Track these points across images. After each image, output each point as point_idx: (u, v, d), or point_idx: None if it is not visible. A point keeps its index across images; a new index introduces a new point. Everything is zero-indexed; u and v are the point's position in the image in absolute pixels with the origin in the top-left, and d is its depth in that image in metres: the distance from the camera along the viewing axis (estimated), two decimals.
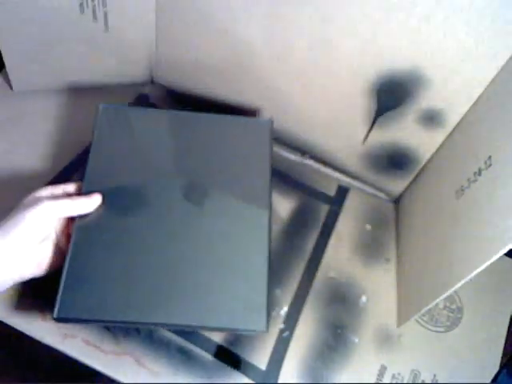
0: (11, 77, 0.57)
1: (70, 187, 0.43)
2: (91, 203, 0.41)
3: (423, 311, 0.43)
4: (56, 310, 0.38)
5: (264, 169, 0.47)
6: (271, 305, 0.48)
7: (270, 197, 0.45)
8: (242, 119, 0.51)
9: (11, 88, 0.58)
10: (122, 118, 0.48)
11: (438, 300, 0.41)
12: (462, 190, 0.43)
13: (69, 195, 0.42)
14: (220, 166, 0.47)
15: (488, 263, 0.35)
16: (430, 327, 0.49)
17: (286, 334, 0.47)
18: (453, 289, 0.39)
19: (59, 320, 0.38)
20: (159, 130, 0.48)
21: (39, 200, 0.38)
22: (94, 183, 0.43)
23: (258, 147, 0.48)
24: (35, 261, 0.39)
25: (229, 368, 0.45)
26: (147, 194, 0.44)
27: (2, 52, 0.53)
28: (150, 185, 0.44)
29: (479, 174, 0.40)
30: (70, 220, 0.42)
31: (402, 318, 0.48)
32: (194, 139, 0.48)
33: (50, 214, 0.38)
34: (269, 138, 0.49)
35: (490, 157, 0.39)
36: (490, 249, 0.35)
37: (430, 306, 0.42)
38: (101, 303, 0.39)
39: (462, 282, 0.38)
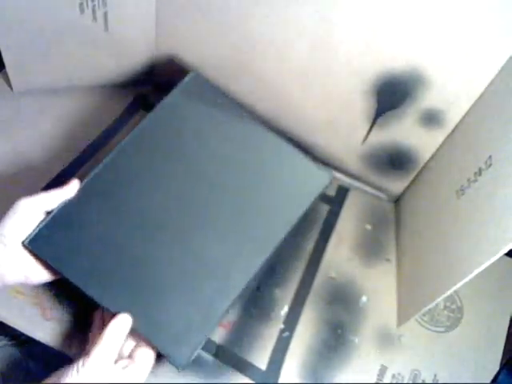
0: (11, 77, 0.57)
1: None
2: (67, 192, 0.40)
3: (423, 311, 0.43)
4: (28, 238, 0.38)
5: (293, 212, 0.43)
6: (269, 305, 0.49)
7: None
8: (304, 160, 0.46)
9: (11, 88, 0.58)
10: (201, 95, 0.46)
11: (438, 300, 0.41)
12: (463, 190, 0.43)
13: None
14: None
15: (488, 263, 0.35)
16: (430, 327, 0.49)
17: (286, 333, 0.47)
18: (453, 289, 0.39)
19: (25, 247, 0.38)
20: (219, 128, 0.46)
21: (17, 200, 0.38)
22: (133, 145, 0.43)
23: (304, 188, 0.45)
24: (19, 265, 0.38)
25: (229, 368, 0.45)
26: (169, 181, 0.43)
27: (2, 52, 0.53)
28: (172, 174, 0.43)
29: (479, 173, 0.40)
30: None
31: (402, 318, 0.48)
32: (243, 150, 0.45)
33: (27, 209, 0.38)
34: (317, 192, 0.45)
35: (490, 156, 0.39)
36: (490, 249, 0.35)
37: (430, 306, 0.42)
38: (72, 259, 0.38)
39: (462, 282, 0.38)
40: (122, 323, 0.36)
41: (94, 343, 0.35)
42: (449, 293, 0.39)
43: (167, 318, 0.38)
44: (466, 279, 0.37)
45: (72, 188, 0.41)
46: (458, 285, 0.38)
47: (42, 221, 0.39)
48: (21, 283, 0.39)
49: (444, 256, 0.43)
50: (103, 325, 0.39)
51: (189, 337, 0.38)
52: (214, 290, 0.39)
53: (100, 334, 0.36)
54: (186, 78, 0.46)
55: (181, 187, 0.42)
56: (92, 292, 0.38)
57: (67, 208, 0.40)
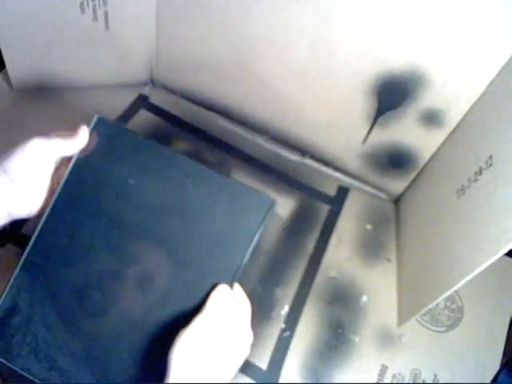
0: (11, 76, 0.57)
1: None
2: (79, 141, 0.40)
3: (424, 311, 0.43)
4: None
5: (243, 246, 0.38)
6: (271, 304, 0.49)
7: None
8: (244, 189, 0.39)
9: (11, 87, 0.58)
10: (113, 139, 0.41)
11: (439, 300, 0.41)
12: (463, 190, 0.43)
13: None
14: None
15: (489, 263, 0.35)
16: (430, 327, 0.49)
17: (286, 333, 0.47)
18: (454, 288, 0.39)
19: None
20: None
21: (30, 138, 0.38)
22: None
23: (247, 222, 0.38)
24: (26, 200, 0.39)
25: None
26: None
27: (3, 51, 0.53)
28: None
29: (480, 173, 0.40)
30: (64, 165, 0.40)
31: (403, 317, 0.48)
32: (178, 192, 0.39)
33: (37, 150, 0.38)
34: (263, 218, 0.38)
35: (490, 156, 0.39)
36: (490, 248, 0.35)
37: (431, 305, 0.42)
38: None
39: (463, 281, 0.38)
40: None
41: None
42: (449, 292, 0.39)
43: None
44: (467, 278, 0.37)
45: (83, 136, 0.40)
46: (459, 284, 0.38)
47: None
48: (26, 216, 0.40)
49: (444, 256, 0.43)
50: None
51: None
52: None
53: None
54: (91, 125, 0.41)
55: (105, 251, 0.39)
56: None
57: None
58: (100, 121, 0.41)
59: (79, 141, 0.40)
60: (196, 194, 0.39)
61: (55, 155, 0.40)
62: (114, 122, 0.42)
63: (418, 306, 0.45)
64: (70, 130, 0.40)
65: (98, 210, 0.40)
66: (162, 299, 0.37)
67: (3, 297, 0.38)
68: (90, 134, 0.41)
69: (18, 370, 0.38)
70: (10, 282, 0.38)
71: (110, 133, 0.41)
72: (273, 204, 0.38)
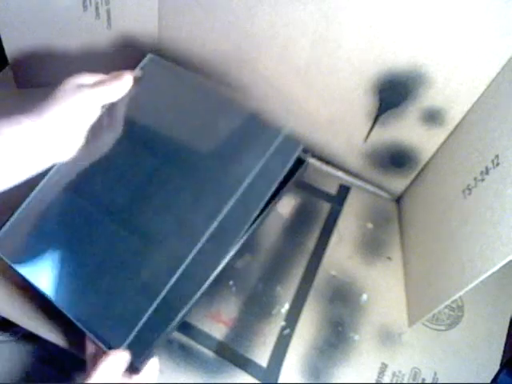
0: (15, 74, 0.57)
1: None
2: (124, 86, 0.41)
3: (437, 310, 0.43)
4: None
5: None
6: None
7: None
8: (272, 131, 0.43)
9: (14, 85, 0.58)
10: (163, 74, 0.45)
11: (453, 298, 0.40)
12: (470, 190, 0.43)
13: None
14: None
15: (503, 263, 0.35)
16: (430, 325, 0.49)
17: (287, 331, 0.47)
18: (466, 289, 0.38)
19: None
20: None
21: (79, 89, 0.39)
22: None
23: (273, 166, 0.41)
24: (65, 145, 0.40)
25: (229, 365, 0.45)
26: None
27: (6, 50, 0.53)
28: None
29: (487, 172, 0.40)
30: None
31: (414, 318, 0.48)
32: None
33: (89, 102, 0.39)
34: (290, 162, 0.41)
35: (497, 156, 0.39)
36: (504, 248, 0.35)
37: (443, 306, 0.42)
38: (32, 260, 0.39)
39: (477, 281, 0.37)
40: (117, 361, 0.35)
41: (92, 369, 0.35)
42: (462, 293, 0.39)
43: (103, 304, 0.37)
44: (481, 279, 0.37)
45: (127, 83, 0.42)
46: (472, 284, 0.38)
47: (4, 223, 0.40)
48: (62, 160, 0.41)
49: (454, 256, 0.43)
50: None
51: (125, 318, 0.36)
52: (155, 267, 0.37)
53: (97, 358, 0.35)
54: (142, 63, 0.45)
55: (131, 168, 0.41)
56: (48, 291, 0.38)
57: (28, 208, 0.41)
58: (152, 59, 0.44)
59: (122, 87, 0.41)
60: (224, 124, 0.42)
61: (101, 103, 0.40)
62: (166, 62, 0.45)
63: (429, 306, 0.45)
64: (115, 74, 0.42)
65: (125, 132, 0.42)
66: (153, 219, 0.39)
67: None
68: (141, 71, 0.44)
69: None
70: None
71: (158, 71, 0.44)
72: (299, 147, 0.41)
